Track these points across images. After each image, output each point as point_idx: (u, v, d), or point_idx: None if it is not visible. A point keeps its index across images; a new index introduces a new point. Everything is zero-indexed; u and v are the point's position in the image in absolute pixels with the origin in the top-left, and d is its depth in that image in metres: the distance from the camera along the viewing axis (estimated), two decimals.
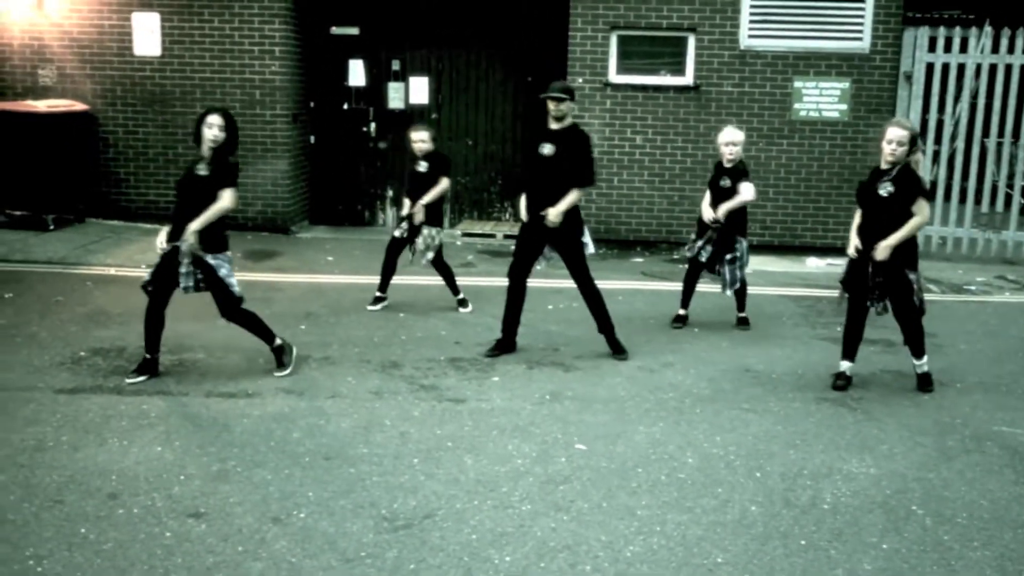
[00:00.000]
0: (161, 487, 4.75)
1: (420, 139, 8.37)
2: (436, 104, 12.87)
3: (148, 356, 6.41)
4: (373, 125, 12.95)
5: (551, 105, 6.96)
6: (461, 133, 12.86)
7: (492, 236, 12.27)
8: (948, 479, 5.12)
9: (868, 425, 5.92)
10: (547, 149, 6.95)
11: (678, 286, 8.55)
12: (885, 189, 6.32)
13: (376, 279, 8.58)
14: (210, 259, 6.20)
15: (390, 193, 13.06)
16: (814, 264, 11.50)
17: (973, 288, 10.34)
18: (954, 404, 6.36)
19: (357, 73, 12.86)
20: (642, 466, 5.18)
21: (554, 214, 6.89)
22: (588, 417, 5.92)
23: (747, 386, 6.65)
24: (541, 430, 5.67)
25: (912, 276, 6.45)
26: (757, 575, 4.06)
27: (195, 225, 6.10)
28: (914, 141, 6.39)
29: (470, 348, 7.34)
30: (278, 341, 6.61)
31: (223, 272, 6.28)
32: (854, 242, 6.53)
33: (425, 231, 8.29)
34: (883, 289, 6.45)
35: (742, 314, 8.31)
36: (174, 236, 6.19)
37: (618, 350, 7.28)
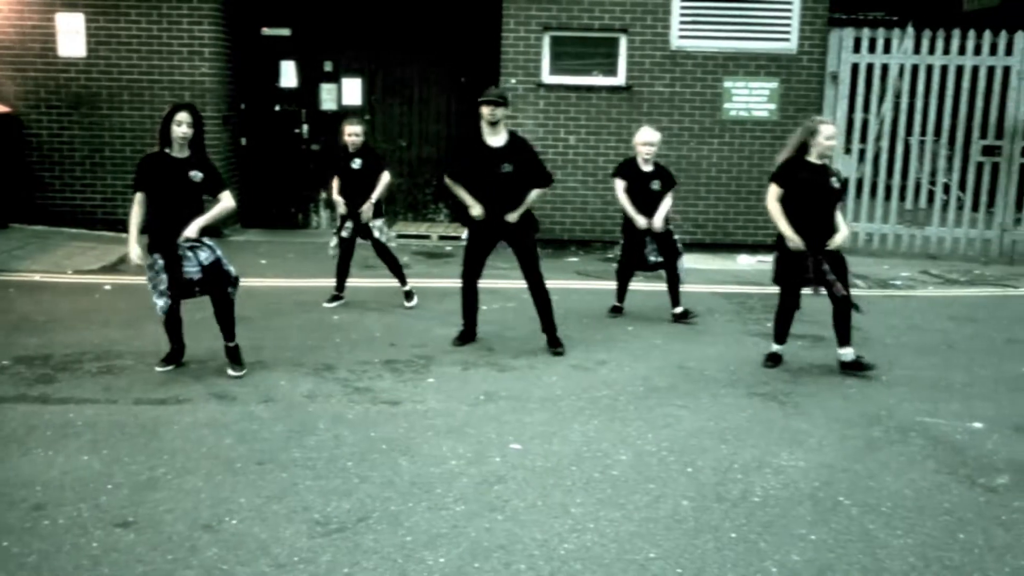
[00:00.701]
0: (88, 496, 4.66)
1: (355, 132, 8.37)
2: (369, 105, 12.81)
3: (174, 346, 6.72)
4: (305, 127, 12.85)
5: (487, 110, 7.06)
6: (395, 134, 12.81)
7: (427, 237, 12.24)
8: (874, 470, 5.24)
9: (797, 419, 6.03)
10: (507, 167, 7.13)
11: (613, 285, 8.64)
12: (837, 182, 6.75)
13: (311, 282, 8.53)
14: (207, 240, 6.46)
15: (323, 195, 12.95)
16: (745, 261, 11.68)
17: (898, 283, 10.58)
18: (880, 396, 6.51)
19: (289, 74, 12.75)
20: (576, 464, 5.21)
21: (514, 216, 7.17)
22: (523, 417, 5.94)
23: (680, 383, 6.72)
24: (476, 431, 5.67)
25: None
26: (689, 569, 4.11)
27: (203, 221, 6.35)
28: None
29: (405, 350, 7.32)
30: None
31: (219, 252, 6.51)
32: (797, 239, 6.70)
33: (376, 224, 8.45)
34: (832, 276, 6.76)
35: (680, 309, 8.43)
36: (171, 235, 6.28)
37: (555, 344, 7.36)
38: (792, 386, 6.68)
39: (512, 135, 7.31)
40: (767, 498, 4.84)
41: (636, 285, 8.56)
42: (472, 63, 12.60)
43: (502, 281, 9.02)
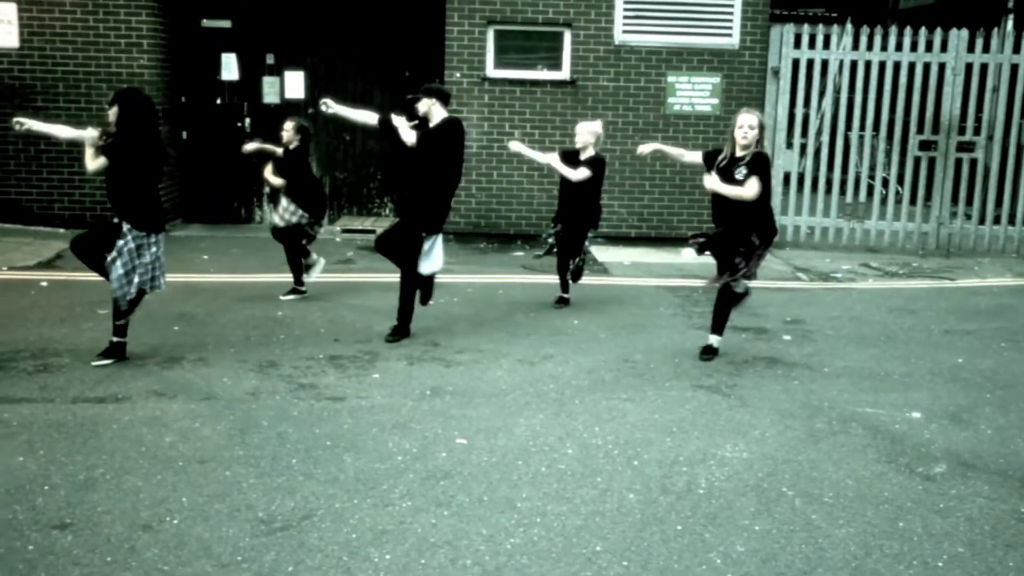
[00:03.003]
0: (23, 499, 4.54)
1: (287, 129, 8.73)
2: (312, 98, 12.65)
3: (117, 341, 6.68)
4: (248, 120, 12.67)
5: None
6: (338, 128, 12.68)
7: (372, 232, 12.12)
8: (816, 460, 5.31)
9: (741, 411, 6.08)
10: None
11: (558, 279, 8.66)
12: (741, 173, 6.73)
13: (254, 277, 8.43)
14: (152, 239, 6.63)
15: (267, 190, 12.79)
16: (689, 255, 11.74)
17: (839, 276, 10.74)
18: (822, 388, 6.60)
19: (230, 67, 12.56)
20: (523, 458, 5.20)
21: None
22: (469, 411, 5.92)
23: (625, 376, 6.75)
24: (421, 426, 5.64)
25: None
26: (635, 562, 4.12)
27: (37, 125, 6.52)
28: (763, 128, 6.84)
29: (349, 345, 7.26)
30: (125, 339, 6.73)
31: (128, 257, 6.53)
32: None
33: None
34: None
35: (566, 296, 8.74)
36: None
37: (402, 334, 7.50)
38: (736, 378, 6.75)
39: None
40: (712, 490, 4.88)
41: (585, 279, 8.58)
42: (416, 57, 12.52)
43: (448, 276, 8.99)
